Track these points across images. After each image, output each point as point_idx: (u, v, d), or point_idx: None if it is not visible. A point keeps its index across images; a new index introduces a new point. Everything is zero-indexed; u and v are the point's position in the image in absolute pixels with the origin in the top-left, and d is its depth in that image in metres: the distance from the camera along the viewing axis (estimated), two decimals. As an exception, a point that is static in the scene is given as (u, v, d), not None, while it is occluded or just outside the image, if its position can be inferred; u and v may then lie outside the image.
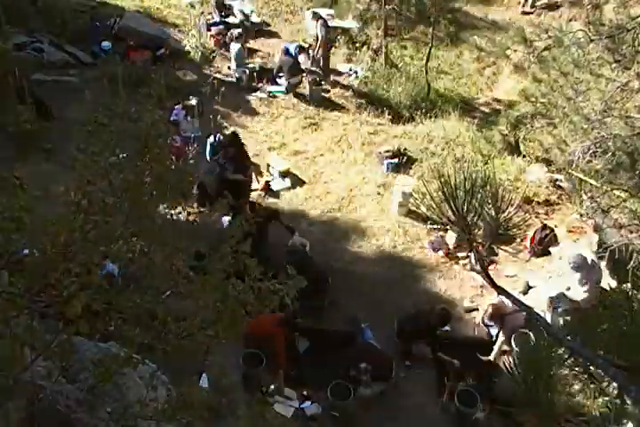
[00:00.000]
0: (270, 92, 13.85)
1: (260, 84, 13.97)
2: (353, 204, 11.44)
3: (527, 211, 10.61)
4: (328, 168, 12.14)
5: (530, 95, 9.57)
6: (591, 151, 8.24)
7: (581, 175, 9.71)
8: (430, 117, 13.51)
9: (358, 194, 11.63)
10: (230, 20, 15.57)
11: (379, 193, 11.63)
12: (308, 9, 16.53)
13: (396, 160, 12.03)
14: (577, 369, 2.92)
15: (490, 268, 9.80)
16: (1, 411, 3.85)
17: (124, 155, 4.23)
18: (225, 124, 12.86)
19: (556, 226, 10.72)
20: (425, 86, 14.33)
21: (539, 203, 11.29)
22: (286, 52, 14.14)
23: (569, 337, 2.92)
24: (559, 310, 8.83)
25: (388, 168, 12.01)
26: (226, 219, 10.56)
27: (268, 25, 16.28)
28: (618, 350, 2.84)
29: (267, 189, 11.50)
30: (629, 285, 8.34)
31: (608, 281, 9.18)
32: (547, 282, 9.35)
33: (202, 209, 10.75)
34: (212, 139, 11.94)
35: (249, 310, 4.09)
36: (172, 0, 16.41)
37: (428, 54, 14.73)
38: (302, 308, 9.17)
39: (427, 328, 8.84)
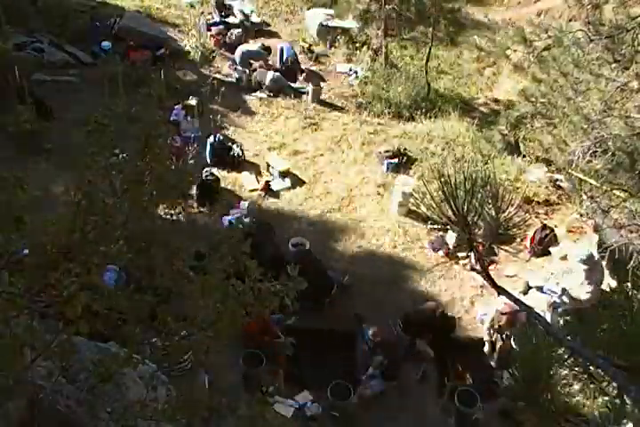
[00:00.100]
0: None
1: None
2: (353, 204, 11.44)
3: (527, 211, 10.61)
4: (328, 168, 12.14)
5: (530, 95, 9.55)
6: (591, 151, 8.23)
7: (581, 175, 9.70)
8: (430, 117, 13.51)
9: (358, 194, 11.63)
10: (230, 20, 15.58)
11: (379, 193, 11.63)
12: (309, 9, 16.55)
13: (395, 160, 12.03)
14: (577, 369, 2.92)
15: (490, 268, 9.81)
16: (1, 411, 3.85)
17: (124, 155, 4.23)
18: (225, 124, 12.87)
19: (555, 226, 10.73)
20: (425, 86, 14.32)
21: (539, 203, 11.30)
22: (280, 54, 14.23)
23: (569, 337, 2.92)
24: (559, 309, 8.84)
25: (387, 168, 12.01)
26: (226, 219, 10.59)
27: (268, 25, 16.29)
28: (618, 350, 2.84)
29: (267, 189, 11.50)
30: (629, 285, 8.37)
31: (608, 281, 9.19)
32: (549, 281, 9.35)
33: (202, 209, 10.79)
34: (211, 139, 11.96)
35: (249, 311, 4.09)
36: (172, 0, 16.41)
37: (428, 54, 14.73)
38: (302, 308, 9.28)
39: (430, 325, 8.87)
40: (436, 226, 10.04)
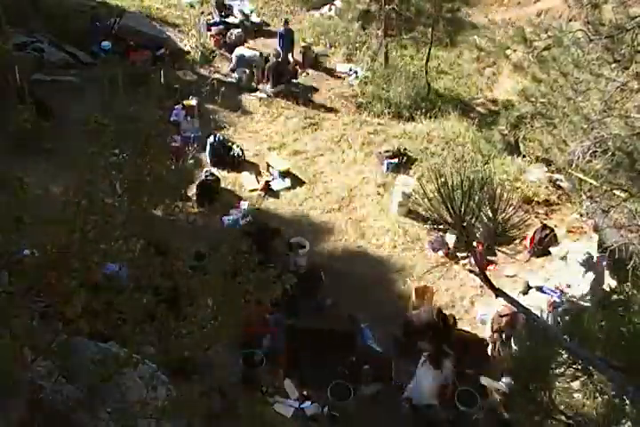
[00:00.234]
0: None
1: (261, 85, 13.94)
2: (353, 204, 11.44)
3: (527, 211, 10.60)
4: (328, 168, 12.14)
5: (530, 95, 9.55)
6: (591, 151, 8.23)
7: (581, 175, 9.71)
8: (430, 117, 13.51)
9: (358, 194, 11.63)
10: (230, 20, 15.58)
11: (379, 193, 11.63)
12: (308, 10, 16.57)
13: (395, 160, 12.03)
14: (574, 367, 2.92)
15: (489, 268, 9.82)
16: (1, 411, 3.86)
17: (124, 155, 4.24)
18: (225, 124, 12.87)
19: (555, 226, 10.73)
20: (425, 86, 14.33)
21: (539, 203, 11.30)
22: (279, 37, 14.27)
23: (567, 338, 2.92)
24: (559, 309, 8.83)
25: (387, 168, 12.01)
26: (226, 219, 10.59)
27: (268, 25, 16.30)
28: (616, 351, 2.84)
29: (267, 188, 11.50)
30: (629, 285, 8.38)
31: (608, 281, 9.19)
32: (548, 281, 9.36)
33: (202, 209, 10.79)
34: (211, 139, 11.96)
35: (248, 299, 4.11)
36: (172, 0, 16.42)
37: (428, 54, 14.73)
38: (302, 308, 9.29)
39: (431, 328, 8.86)
40: (435, 227, 10.04)
